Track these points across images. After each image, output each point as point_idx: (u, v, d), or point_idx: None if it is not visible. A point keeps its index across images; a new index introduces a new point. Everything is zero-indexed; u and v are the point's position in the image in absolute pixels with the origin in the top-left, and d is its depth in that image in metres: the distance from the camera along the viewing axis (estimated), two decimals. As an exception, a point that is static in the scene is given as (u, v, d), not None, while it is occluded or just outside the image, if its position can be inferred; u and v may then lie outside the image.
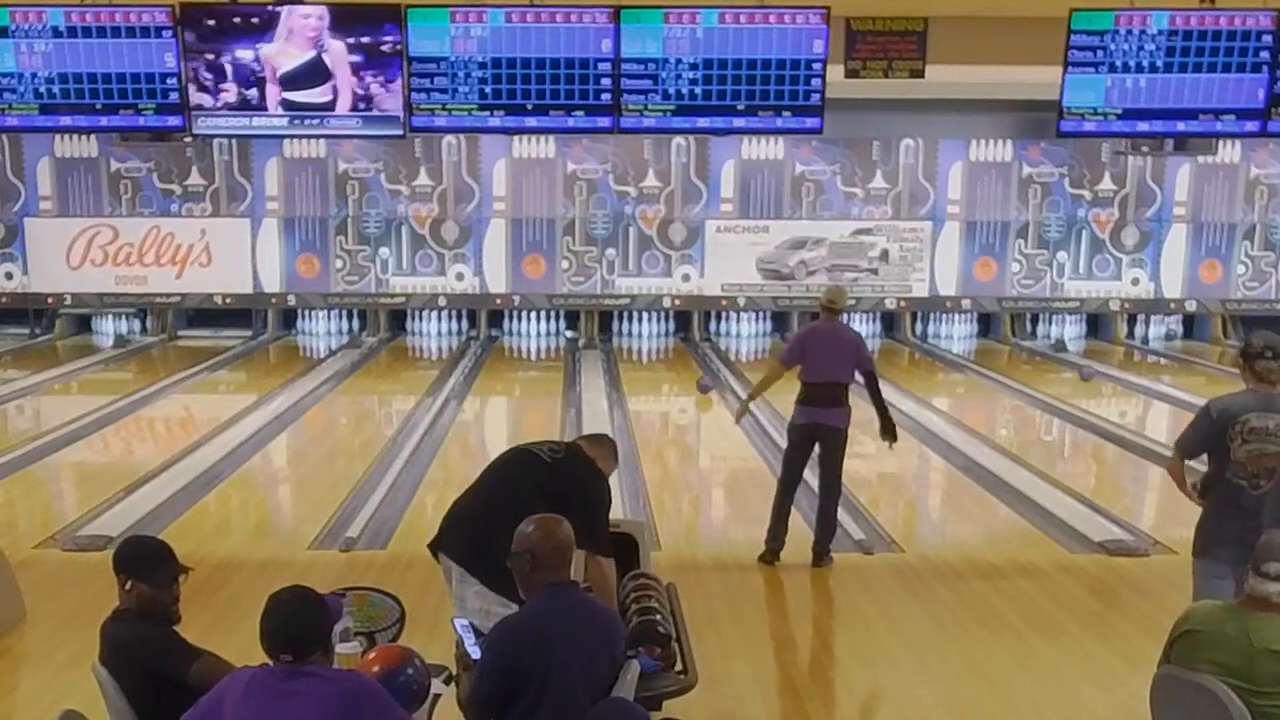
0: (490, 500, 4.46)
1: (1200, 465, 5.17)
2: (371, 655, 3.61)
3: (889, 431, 7.15)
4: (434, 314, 17.10)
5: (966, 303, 16.75)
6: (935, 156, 16.25)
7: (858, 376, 7.10)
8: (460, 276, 16.34)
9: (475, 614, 4.09)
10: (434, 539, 4.53)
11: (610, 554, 4.47)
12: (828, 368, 6.92)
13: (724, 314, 17.15)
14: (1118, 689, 5.36)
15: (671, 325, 17.25)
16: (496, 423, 12.97)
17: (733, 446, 10.56)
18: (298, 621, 3.12)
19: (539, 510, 3.84)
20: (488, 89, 6.71)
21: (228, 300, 16.46)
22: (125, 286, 16.16)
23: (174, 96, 6.74)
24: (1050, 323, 17.48)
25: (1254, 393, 4.73)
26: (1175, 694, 3.70)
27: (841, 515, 8.05)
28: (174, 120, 6.80)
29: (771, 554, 7.06)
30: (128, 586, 3.62)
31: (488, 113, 6.77)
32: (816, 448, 7.05)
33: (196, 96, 6.69)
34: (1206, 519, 4.92)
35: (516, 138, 15.11)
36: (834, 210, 16.26)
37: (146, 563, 3.66)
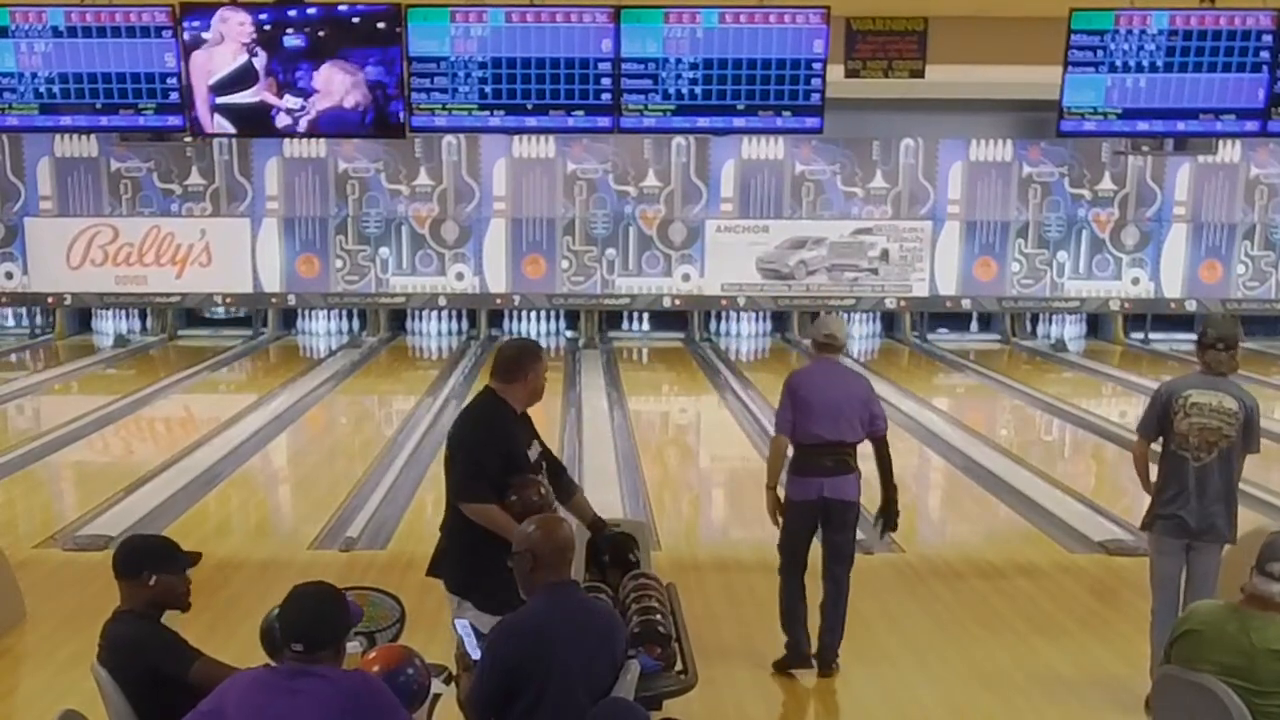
0: (446, 518, 4.48)
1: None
2: (371, 655, 3.61)
3: (890, 519, 5.76)
4: (434, 314, 17.11)
5: (967, 302, 16.75)
6: (935, 156, 16.24)
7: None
8: (460, 276, 16.34)
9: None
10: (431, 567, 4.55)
11: (471, 499, 4.26)
12: (827, 424, 5.45)
13: (724, 314, 17.16)
14: (1118, 689, 5.37)
15: (673, 325, 17.26)
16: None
17: (733, 446, 10.57)
18: (313, 615, 3.12)
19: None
20: (488, 89, 6.71)
21: (228, 300, 16.47)
22: (125, 286, 16.15)
23: (174, 96, 6.72)
24: (1050, 323, 17.48)
25: (1201, 374, 5.10)
26: (1176, 694, 3.70)
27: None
28: (174, 120, 6.79)
29: (800, 658, 5.57)
30: (151, 581, 3.64)
31: (488, 113, 6.76)
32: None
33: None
34: (1155, 493, 5.19)
35: (516, 137, 15.10)
36: (834, 210, 16.26)
37: (164, 554, 3.72)
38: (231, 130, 6.77)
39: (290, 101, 6.61)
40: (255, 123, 6.68)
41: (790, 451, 5.54)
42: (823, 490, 5.43)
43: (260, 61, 6.54)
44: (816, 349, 5.61)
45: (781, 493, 5.56)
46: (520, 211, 16.19)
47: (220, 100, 6.61)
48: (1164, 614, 5.04)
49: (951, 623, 6.24)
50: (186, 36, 6.55)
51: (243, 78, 6.59)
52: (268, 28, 6.52)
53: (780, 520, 5.55)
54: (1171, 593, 5.10)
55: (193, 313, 17.38)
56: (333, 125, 6.73)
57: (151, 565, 3.66)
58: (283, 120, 6.62)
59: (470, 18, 6.65)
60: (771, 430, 5.89)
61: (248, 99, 6.61)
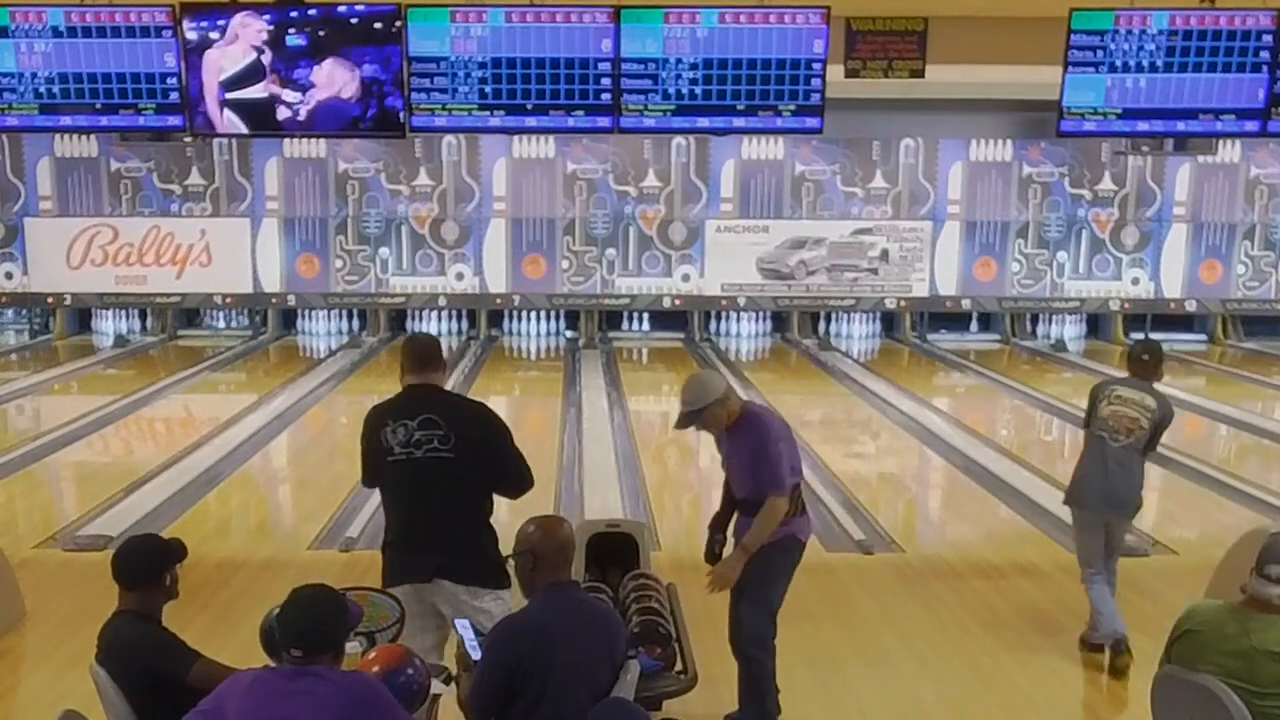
0: (432, 519, 4.30)
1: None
2: (371, 655, 3.60)
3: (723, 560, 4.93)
4: (434, 314, 17.10)
5: (967, 302, 16.75)
6: (935, 156, 16.24)
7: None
8: (460, 276, 16.34)
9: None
10: (402, 573, 4.33)
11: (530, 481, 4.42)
12: (738, 481, 4.98)
13: (724, 314, 17.16)
14: (1118, 689, 5.37)
15: (673, 325, 17.25)
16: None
17: (733, 446, 10.54)
18: (312, 619, 3.13)
19: (473, 497, 4.24)
20: (488, 89, 6.71)
21: (228, 300, 16.47)
22: (125, 286, 16.16)
23: (174, 96, 6.73)
24: (1050, 323, 17.48)
25: (1130, 378, 5.85)
26: (1176, 694, 3.70)
27: (841, 515, 8.07)
28: (174, 120, 6.80)
29: None
30: (167, 580, 3.70)
31: (488, 113, 6.76)
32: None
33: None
34: (1077, 471, 5.88)
35: (516, 138, 15.11)
36: (834, 210, 16.26)
37: (171, 551, 3.77)
38: (240, 128, 6.77)
39: (291, 97, 6.63)
40: (261, 120, 6.69)
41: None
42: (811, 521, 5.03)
43: (266, 60, 6.56)
44: (730, 399, 4.93)
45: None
46: (520, 211, 16.19)
47: (229, 96, 6.62)
48: (1095, 576, 5.82)
49: (951, 623, 6.24)
50: (194, 36, 6.56)
51: (249, 77, 6.61)
52: (272, 28, 6.54)
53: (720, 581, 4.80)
54: (1099, 563, 5.84)
55: (192, 315, 17.44)
56: (334, 122, 6.74)
57: (169, 564, 3.72)
58: (284, 113, 6.64)
59: (470, 18, 6.66)
60: None
61: (254, 97, 6.63)
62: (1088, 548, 5.86)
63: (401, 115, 6.73)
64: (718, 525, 5.14)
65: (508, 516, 4.40)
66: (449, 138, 15.73)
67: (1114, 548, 5.90)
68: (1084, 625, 6.25)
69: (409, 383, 4.45)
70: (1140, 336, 17.29)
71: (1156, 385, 5.78)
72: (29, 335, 17.08)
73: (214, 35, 6.59)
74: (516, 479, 4.37)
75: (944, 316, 17.40)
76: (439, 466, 4.27)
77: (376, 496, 8.51)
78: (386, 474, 4.38)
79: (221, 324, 17.66)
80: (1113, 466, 5.65)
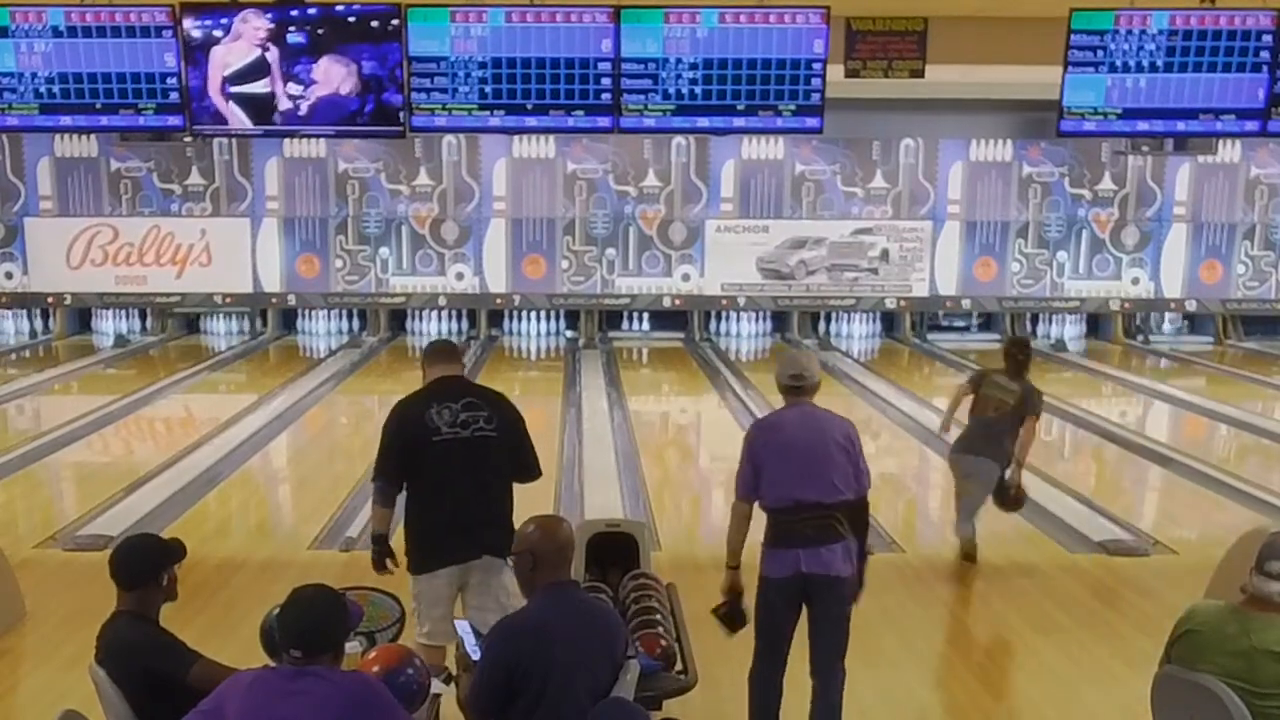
0: (482, 495, 4.55)
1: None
2: (371, 655, 3.61)
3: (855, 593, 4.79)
4: (434, 314, 17.10)
5: (967, 302, 16.75)
6: (935, 156, 16.24)
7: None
8: (460, 276, 16.34)
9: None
10: (454, 553, 4.53)
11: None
12: (801, 482, 4.51)
13: (724, 314, 17.16)
14: (1118, 689, 5.37)
15: (673, 325, 17.26)
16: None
17: (733, 446, 10.55)
18: (312, 620, 3.13)
19: (511, 475, 4.59)
20: (488, 89, 6.72)
21: (228, 300, 16.47)
22: (125, 286, 16.15)
23: (174, 96, 6.74)
24: (1050, 323, 17.48)
25: (1003, 371, 7.11)
26: (1176, 694, 3.70)
27: (842, 515, 8.05)
28: (174, 120, 6.80)
29: None
30: (165, 581, 3.70)
31: (488, 113, 6.77)
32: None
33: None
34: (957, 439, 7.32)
35: (516, 137, 15.10)
36: (834, 210, 16.26)
37: (169, 552, 3.77)
38: (243, 122, 6.76)
39: (293, 91, 6.64)
40: (263, 114, 6.70)
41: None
42: (799, 564, 4.46)
43: (269, 57, 6.58)
44: (783, 393, 4.75)
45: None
46: (520, 211, 16.19)
47: (233, 90, 6.63)
48: (965, 511, 7.17)
49: (951, 623, 6.24)
50: (197, 34, 6.57)
51: (253, 73, 6.63)
52: (273, 26, 6.55)
53: (726, 609, 4.70)
54: (968, 504, 7.16)
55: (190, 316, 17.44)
56: (332, 117, 6.74)
57: (168, 562, 3.72)
58: (285, 106, 6.65)
59: (470, 18, 6.66)
60: None
61: (257, 92, 6.64)
62: (960, 494, 7.23)
63: (400, 113, 6.74)
64: None
65: (508, 516, 4.42)
66: (449, 138, 15.73)
67: (982, 488, 7.11)
68: (1083, 624, 6.28)
69: (438, 374, 4.66)
70: (1140, 336, 17.34)
71: (1026, 376, 7.03)
72: (29, 335, 17.05)
73: (217, 33, 6.59)
74: (535, 464, 4.76)
75: (943, 324, 17.48)
76: (486, 444, 4.51)
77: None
78: (431, 454, 4.50)
79: (221, 326, 17.62)
80: (977, 430, 7.04)
